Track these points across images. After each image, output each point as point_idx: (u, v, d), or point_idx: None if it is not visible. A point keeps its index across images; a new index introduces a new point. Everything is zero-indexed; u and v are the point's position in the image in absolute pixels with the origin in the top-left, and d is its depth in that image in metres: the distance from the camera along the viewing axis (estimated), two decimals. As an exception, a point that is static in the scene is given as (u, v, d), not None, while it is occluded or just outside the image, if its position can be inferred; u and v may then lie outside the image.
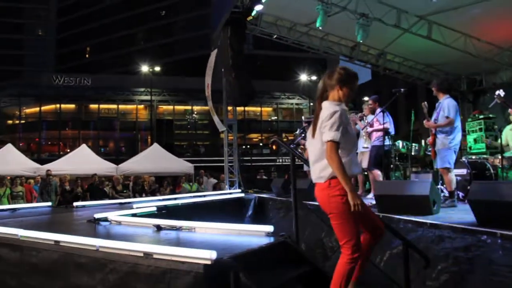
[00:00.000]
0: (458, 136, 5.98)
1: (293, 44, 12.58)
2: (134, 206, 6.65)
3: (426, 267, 3.47)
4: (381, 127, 7.31)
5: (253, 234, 4.20)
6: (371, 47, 12.41)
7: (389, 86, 37.81)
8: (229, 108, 12.38)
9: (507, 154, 6.72)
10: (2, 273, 4.11)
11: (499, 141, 6.81)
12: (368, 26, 9.67)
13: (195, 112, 40.77)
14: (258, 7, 10.19)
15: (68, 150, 37.72)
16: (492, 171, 6.62)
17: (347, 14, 9.81)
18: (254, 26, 11.71)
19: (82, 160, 16.21)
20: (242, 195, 9.91)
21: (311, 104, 41.48)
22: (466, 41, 10.32)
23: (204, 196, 9.74)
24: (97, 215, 5.34)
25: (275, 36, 12.25)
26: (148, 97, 36.41)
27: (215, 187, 14.31)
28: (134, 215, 5.87)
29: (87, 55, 50.90)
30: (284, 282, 3.42)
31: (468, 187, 6.44)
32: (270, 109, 43.83)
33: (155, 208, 6.37)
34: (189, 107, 40.44)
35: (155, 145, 18.41)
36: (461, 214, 5.15)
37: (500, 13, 8.72)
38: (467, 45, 10.37)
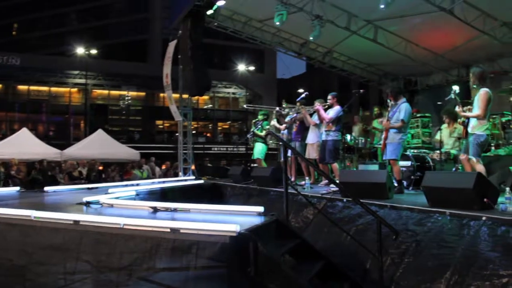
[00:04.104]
0: (406, 133, 6.98)
1: (247, 38, 13.18)
2: (110, 190, 6.98)
3: (395, 238, 4.27)
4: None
5: (246, 214, 4.79)
6: (319, 45, 13.27)
7: (322, 79, 39.50)
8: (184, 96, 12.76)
9: (443, 150, 7.79)
10: (17, 253, 4.37)
11: (437, 137, 7.94)
12: (322, 27, 10.52)
13: (129, 98, 40.11)
14: (221, 2, 10.69)
15: (-6, 133, 35.75)
16: (431, 163, 7.68)
17: (303, 14, 10.59)
18: (211, 19, 12.16)
19: (24, 144, 15.78)
20: (202, 181, 10.43)
21: (247, 94, 42.36)
22: (406, 46, 11.49)
23: (164, 182, 10.15)
24: (87, 198, 5.65)
25: (229, 30, 12.79)
26: (82, 81, 35.33)
27: (166, 174, 14.62)
28: (117, 198, 6.22)
29: (14, 33, 47.95)
30: (284, 252, 4.08)
31: (412, 177, 7.48)
32: (206, 97, 44.05)
33: (134, 193, 6.74)
34: (124, 92, 39.68)
35: (100, 131, 18.24)
36: (412, 199, 6.12)
37: (437, 24, 9.82)
38: (407, 49, 11.55)
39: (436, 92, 13.43)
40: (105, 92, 38.95)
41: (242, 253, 3.53)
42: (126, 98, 39.49)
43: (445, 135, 7.92)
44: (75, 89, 37.82)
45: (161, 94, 40.52)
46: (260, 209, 4.76)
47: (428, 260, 4.08)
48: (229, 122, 45.03)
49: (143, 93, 40.10)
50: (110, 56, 37.98)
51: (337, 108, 8.31)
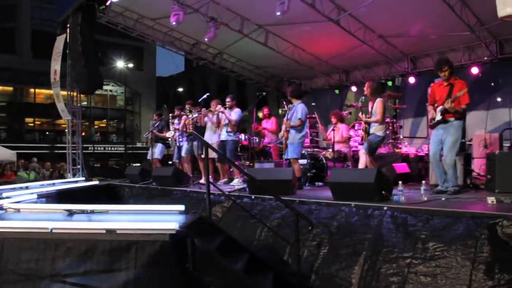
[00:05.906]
0: (305, 132, 7.60)
1: (138, 36, 12.95)
2: (4, 194, 6.48)
3: (311, 229, 4.73)
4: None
5: (168, 213, 4.88)
6: (210, 46, 13.53)
7: (202, 78, 39.67)
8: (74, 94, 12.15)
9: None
10: None
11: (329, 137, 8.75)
12: (217, 28, 10.81)
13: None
14: (115, -3, 10.41)
15: None
16: (324, 161, 8.41)
17: (196, 15, 10.77)
18: (101, 14, 11.75)
19: None
20: (96, 182, 10.08)
21: (126, 91, 41.04)
22: (294, 51, 12.30)
23: (54, 184, 9.57)
24: (-14, 204, 5.23)
25: (120, 26, 12.45)
26: None
27: (52, 176, 13.75)
28: (18, 203, 5.82)
29: None
30: (214, 248, 4.28)
31: (308, 174, 8.14)
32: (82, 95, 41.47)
33: (36, 196, 6.37)
34: (-12, 87, 35.86)
35: (-34, 129, 16.42)
36: (313, 193, 6.71)
37: (324, 32, 10.70)
38: (294, 54, 12.37)
39: (318, 95, 14.59)
40: (-35, 86, 34.84)
41: (180, 250, 3.66)
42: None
43: (337, 134, 8.74)
44: None
45: (31, 90, 37.42)
46: (181, 207, 4.88)
47: (342, 250, 4.58)
48: (106, 120, 43.13)
49: (10, 88, 36.58)
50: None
51: (238, 110, 8.71)
